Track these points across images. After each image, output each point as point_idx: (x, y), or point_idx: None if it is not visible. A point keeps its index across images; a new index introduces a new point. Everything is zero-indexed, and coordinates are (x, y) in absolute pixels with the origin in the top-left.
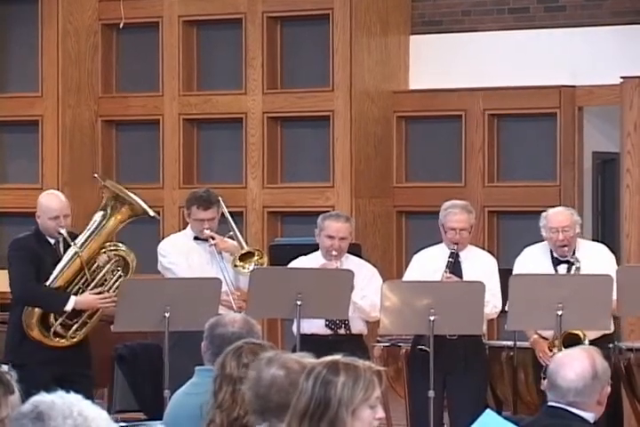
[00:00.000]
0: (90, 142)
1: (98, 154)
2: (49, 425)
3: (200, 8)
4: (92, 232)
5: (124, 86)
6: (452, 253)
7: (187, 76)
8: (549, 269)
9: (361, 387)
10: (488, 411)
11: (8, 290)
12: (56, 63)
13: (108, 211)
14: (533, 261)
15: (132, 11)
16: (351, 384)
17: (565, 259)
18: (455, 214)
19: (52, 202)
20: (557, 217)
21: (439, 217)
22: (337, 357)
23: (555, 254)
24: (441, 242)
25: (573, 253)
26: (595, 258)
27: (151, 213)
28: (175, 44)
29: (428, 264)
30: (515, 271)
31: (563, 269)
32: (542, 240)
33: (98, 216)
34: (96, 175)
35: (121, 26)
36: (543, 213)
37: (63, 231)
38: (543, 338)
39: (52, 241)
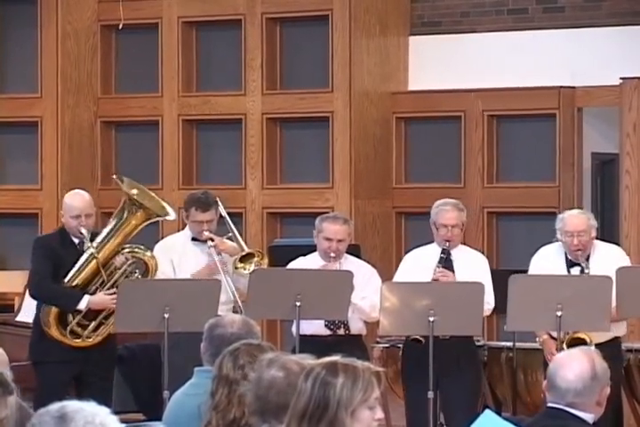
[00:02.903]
0: (89, 143)
1: (97, 155)
2: (68, 426)
3: (199, 9)
4: (109, 234)
5: (124, 87)
6: (443, 249)
7: (186, 77)
8: (562, 271)
9: (360, 388)
10: (487, 411)
11: (8, 290)
12: (55, 64)
13: (125, 214)
14: (548, 260)
15: (131, 12)
16: (350, 385)
17: (579, 262)
18: (447, 212)
19: (74, 201)
20: (573, 221)
21: (430, 216)
22: (335, 358)
23: (569, 256)
24: (433, 242)
25: (588, 257)
26: (609, 261)
27: (171, 215)
28: (174, 45)
29: (419, 263)
30: (530, 270)
31: (576, 271)
32: (544, 242)
33: (115, 219)
34: (114, 176)
35: (120, 27)
36: (559, 215)
37: (84, 231)
38: (554, 338)
39: (76, 241)
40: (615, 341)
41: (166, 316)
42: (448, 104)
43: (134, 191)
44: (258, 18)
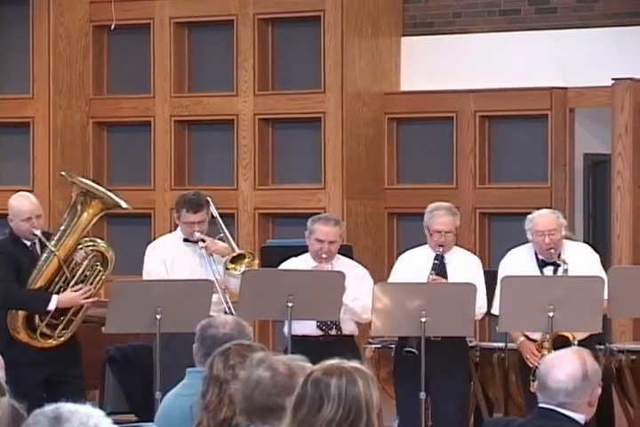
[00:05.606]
0: (81, 144)
1: (89, 156)
2: (62, 426)
3: (191, 10)
4: (65, 230)
5: (116, 88)
6: (437, 255)
7: (178, 77)
8: (535, 272)
9: (375, 388)
10: None
11: None
12: (47, 65)
13: (79, 207)
14: (519, 263)
15: (123, 12)
16: (368, 387)
17: (551, 261)
18: (440, 217)
19: (22, 204)
20: (544, 220)
21: (424, 219)
22: (337, 362)
23: (540, 257)
24: (426, 243)
25: (559, 256)
26: (579, 258)
27: (123, 204)
28: (166, 45)
29: (412, 265)
30: (500, 274)
31: (549, 271)
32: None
33: (69, 214)
34: (63, 173)
35: (112, 27)
36: (529, 216)
37: (37, 232)
38: (530, 340)
39: (28, 243)
40: (592, 338)
41: (158, 317)
42: (440, 105)
43: (89, 182)
44: (250, 18)
